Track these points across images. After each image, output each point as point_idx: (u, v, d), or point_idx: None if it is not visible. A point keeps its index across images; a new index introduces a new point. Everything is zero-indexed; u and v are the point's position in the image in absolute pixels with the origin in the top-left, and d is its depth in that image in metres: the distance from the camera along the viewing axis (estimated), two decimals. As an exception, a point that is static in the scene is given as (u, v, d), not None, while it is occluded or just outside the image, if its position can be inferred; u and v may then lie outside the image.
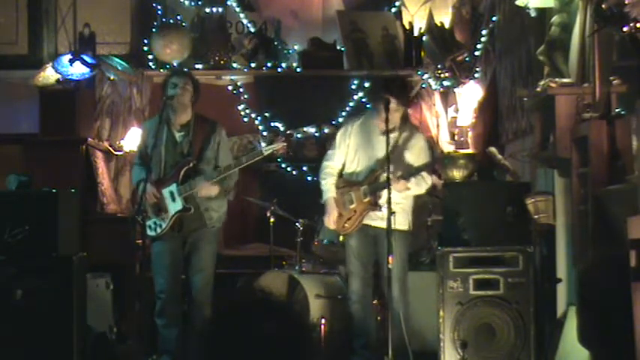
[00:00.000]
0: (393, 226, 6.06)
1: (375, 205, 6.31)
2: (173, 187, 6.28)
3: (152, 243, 6.35)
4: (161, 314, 6.32)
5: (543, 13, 6.22)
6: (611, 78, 5.27)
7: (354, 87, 8.96)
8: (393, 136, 6.26)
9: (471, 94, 8.44)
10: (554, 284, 6.04)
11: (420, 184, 6.32)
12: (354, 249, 6.45)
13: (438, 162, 7.09)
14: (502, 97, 7.93)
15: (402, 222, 6.29)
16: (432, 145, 8.28)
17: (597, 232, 4.98)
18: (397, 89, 6.31)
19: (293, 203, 7.82)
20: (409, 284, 6.44)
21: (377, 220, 6.31)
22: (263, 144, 9.06)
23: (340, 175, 6.52)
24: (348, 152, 6.48)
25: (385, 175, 6.13)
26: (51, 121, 8.18)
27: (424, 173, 6.34)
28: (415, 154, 6.38)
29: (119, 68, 8.62)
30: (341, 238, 6.71)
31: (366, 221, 6.38)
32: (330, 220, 6.46)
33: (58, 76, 8.30)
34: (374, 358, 6.34)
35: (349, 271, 6.52)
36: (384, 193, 6.11)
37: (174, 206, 6.28)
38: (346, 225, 6.43)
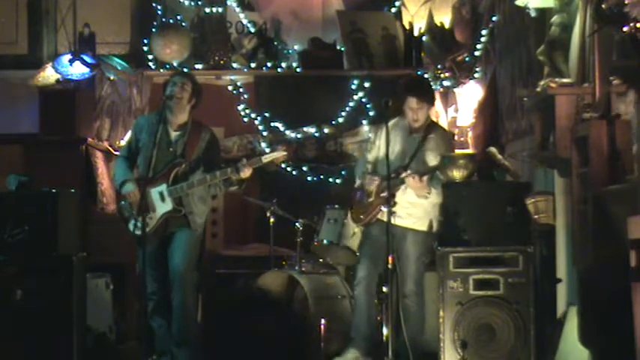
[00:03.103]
0: (412, 227, 6.35)
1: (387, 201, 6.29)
2: (163, 188, 6.21)
3: (137, 243, 6.22)
4: (154, 315, 6.31)
5: (543, 13, 6.22)
6: (611, 78, 5.27)
7: (354, 87, 8.96)
8: (418, 136, 6.44)
9: (471, 94, 8.45)
10: (554, 284, 6.05)
11: (437, 186, 6.32)
12: (373, 238, 6.52)
13: None
14: (502, 97, 7.92)
15: (420, 223, 6.44)
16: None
17: (597, 232, 4.98)
18: (419, 88, 6.54)
19: (293, 203, 7.82)
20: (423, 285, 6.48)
21: (395, 218, 6.29)
22: (263, 144, 9.08)
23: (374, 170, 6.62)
24: (380, 150, 6.54)
25: (405, 173, 6.26)
26: (51, 121, 8.18)
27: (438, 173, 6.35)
28: (436, 157, 6.40)
29: (119, 68, 8.62)
30: (356, 229, 6.70)
31: (383, 217, 6.38)
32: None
33: (58, 76, 8.30)
34: (371, 348, 6.35)
35: (361, 255, 6.60)
36: (400, 191, 6.26)
37: (164, 207, 6.22)
38: (362, 217, 6.53)
